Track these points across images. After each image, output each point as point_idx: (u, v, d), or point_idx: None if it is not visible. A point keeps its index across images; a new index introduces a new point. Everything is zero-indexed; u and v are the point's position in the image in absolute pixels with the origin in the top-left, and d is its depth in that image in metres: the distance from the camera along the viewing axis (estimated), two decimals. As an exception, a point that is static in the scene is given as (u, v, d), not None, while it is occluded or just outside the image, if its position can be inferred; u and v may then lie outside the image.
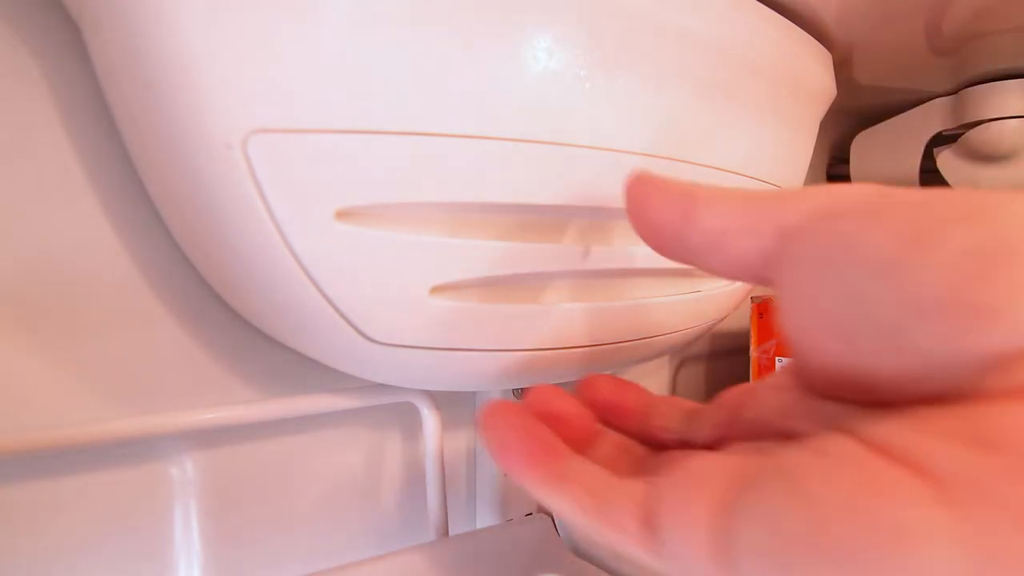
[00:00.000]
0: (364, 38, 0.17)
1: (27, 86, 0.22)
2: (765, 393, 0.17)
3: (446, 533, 0.28)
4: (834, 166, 0.56)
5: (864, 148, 0.52)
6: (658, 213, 0.16)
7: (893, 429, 0.10)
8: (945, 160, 0.48)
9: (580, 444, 0.20)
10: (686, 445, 0.19)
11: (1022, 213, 0.11)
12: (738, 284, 0.30)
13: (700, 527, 0.12)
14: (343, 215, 0.19)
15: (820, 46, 0.30)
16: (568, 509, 0.16)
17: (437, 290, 0.21)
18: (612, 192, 0.19)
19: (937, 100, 0.47)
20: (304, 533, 0.29)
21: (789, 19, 0.27)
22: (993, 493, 0.09)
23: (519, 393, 0.34)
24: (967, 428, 0.10)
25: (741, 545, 0.11)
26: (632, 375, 0.42)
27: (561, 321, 0.23)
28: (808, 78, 0.29)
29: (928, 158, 0.49)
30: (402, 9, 0.17)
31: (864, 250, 0.12)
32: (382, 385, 0.28)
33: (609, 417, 0.22)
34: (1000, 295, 0.10)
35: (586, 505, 0.15)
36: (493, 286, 0.22)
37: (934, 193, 0.12)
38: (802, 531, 0.10)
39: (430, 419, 0.28)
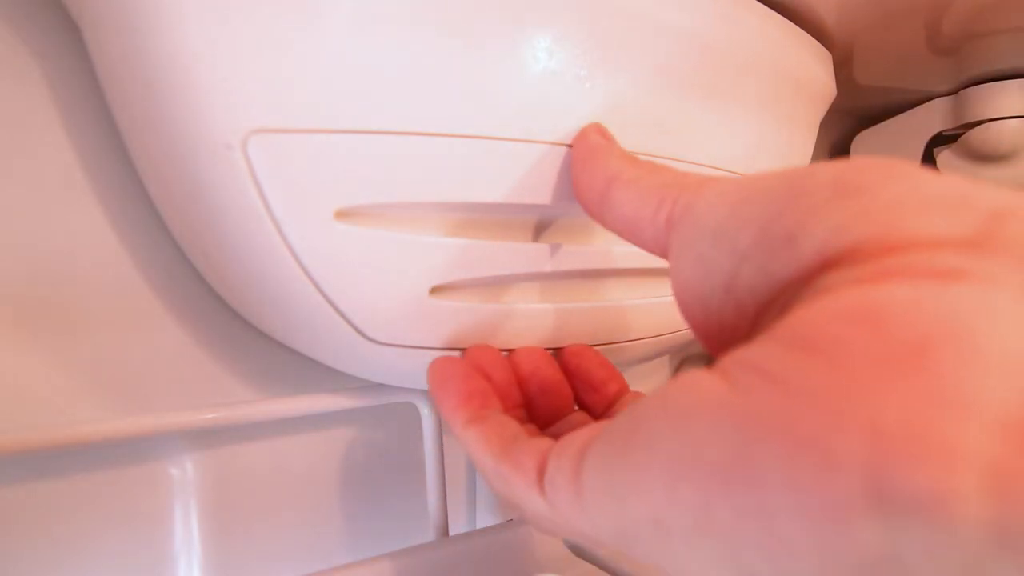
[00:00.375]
0: (364, 38, 0.17)
1: (27, 86, 0.22)
2: None
3: (446, 533, 0.28)
4: (834, 166, 0.56)
5: (864, 148, 0.52)
6: (584, 188, 0.18)
7: (723, 357, 0.12)
8: (945, 160, 0.48)
9: (553, 415, 0.22)
10: None
11: (814, 170, 0.12)
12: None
13: (568, 461, 0.14)
14: (343, 215, 0.19)
15: (820, 46, 0.30)
16: (479, 448, 0.17)
17: (437, 290, 0.21)
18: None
19: (937, 100, 0.47)
20: (304, 533, 0.29)
21: (789, 19, 0.27)
22: (756, 364, 0.10)
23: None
24: (762, 335, 0.11)
25: (587, 467, 0.13)
26: (631, 375, 0.42)
27: (562, 321, 0.23)
28: (808, 78, 0.29)
29: (928, 158, 0.49)
30: (402, 9, 0.17)
31: (706, 222, 0.14)
32: (382, 385, 0.28)
33: (586, 393, 0.23)
34: (794, 225, 0.11)
35: (495, 446, 0.17)
36: (493, 286, 0.22)
37: (769, 172, 0.14)
38: (624, 435, 0.12)
39: (430, 419, 0.28)
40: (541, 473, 0.15)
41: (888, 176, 0.11)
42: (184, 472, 0.26)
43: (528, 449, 0.16)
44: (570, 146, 0.20)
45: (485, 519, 0.35)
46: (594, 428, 0.14)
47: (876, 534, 0.08)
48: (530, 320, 0.23)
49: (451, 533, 0.28)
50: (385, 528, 0.32)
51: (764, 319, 0.12)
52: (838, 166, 0.12)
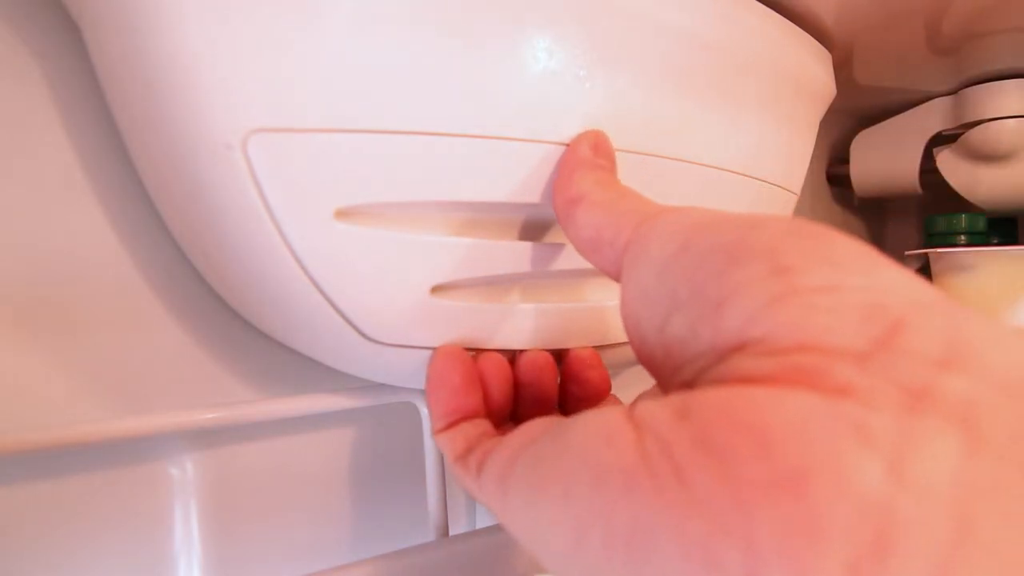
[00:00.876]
0: (364, 38, 0.17)
1: (27, 86, 0.22)
2: None
3: (446, 533, 0.28)
4: (834, 166, 0.56)
5: (864, 148, 0.52)
6: (555, 198, 0.19)
7: (647, 404, 0.12)
8: (945, 160, 0.48)
9: (545, 411, 0.23)
10: None
11: (760, 229, 0.12)
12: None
13: (497, 466, 0.15)
14: (343, 215, 0.19)
15: (820, 46, 0.30)
16: (445, 449, 0.19)
17: (438, 290, 0.21)
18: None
19: (937, 100, 0.47)
20: (304, 533, 0.29)
21: (789, 19, 0.27)
22: (667, 444, 0.11)
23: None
24: (679, 403, 0.11)
25: (514, 476, 0.14)
26: (630, 375, 0.42)
27: (564, 321, 0.23)
28: (808, 78, 0.29)
29: (928, 158, 0.49)
30: (402, 9, 0.17)
31: (654, 255, 0.14)
32: (382, 385, 0.28)
33: (579, 404, 0.24)
34: (728, 291, 0.12)
35: (458, 448, 0.19)
36: (495, 285, 0.22)
37: (721, 212, 0.14)
38: (549, 462, 0.13)
39: (430, 419, 0.28)
40: (480, 468, 0.16)
41: (820, 259, 0.12)
42: (184, 472, 0.26)
43: (478, 450, 0.17)
44: (568, 144, 0.20)
45: (485, 519, 0.35)
46: (532, 430, 0.15)
47: None
48: (531, 320, 0.23)
49: (451, 533, 0.28)
50: (385, 528, 0.32)
51: (685, 372, 0.13)
52: (780, 231, 0.12)
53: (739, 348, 0.11)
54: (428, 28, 0.17)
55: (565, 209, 0.18)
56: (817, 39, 0.30)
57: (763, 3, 0.25)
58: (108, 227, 0.24)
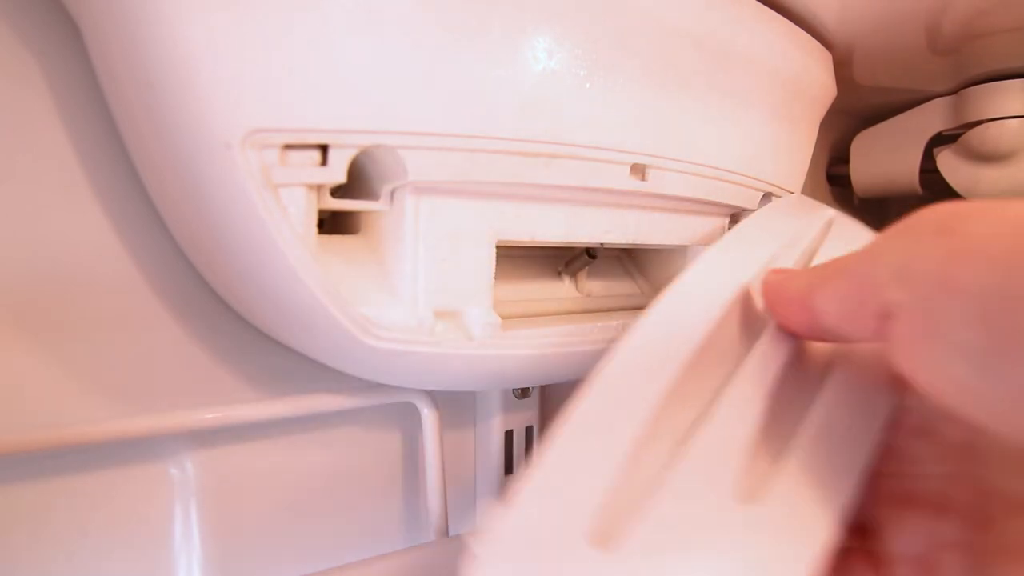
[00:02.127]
0: (365, 38, 0.17)
1: (27, 86, 0.22)
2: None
3: (446, 533, 0.28)
4: (834, 166, 0.56)
5: (864, 148, 0.52)
6: (792, 319, 0.19)
7: None
8: (945, 160, 0.48)
9: None
10: None
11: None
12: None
13: None
14: (343, 215, 0.19)
15: (820, 46, 0.30)
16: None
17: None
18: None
19: (937, 100, 0.47)
20: (304, 533, 0.29)
21: (789, 19, 0.27)
22: None
23: (519, 393, 0.34)
24: None
25: None
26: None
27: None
28: (808, 78, 0.29)
29: (928, 158, 0.49)
30: (402, 10, 0.17)
31: (950, 339, 0.13)
32: (382, 385, 0.28)
33: None
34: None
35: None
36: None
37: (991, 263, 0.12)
38: None
39: (430, 419, 0.28)
40: None
41: None
42: (184, 472, 0.26)
43: None
44: (568, 144, 0.20)
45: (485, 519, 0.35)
46: None
47: None
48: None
49: (451, 533, 0.28)
50: (385, 528, 0.32)
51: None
52: None
53: None
54: (429, 29, 0.17)
55: (806, 312, 0.18)
56: (817, 39, 0.30)
57: (763, 3, 0.25)
58: (108, 227, 0.24)
